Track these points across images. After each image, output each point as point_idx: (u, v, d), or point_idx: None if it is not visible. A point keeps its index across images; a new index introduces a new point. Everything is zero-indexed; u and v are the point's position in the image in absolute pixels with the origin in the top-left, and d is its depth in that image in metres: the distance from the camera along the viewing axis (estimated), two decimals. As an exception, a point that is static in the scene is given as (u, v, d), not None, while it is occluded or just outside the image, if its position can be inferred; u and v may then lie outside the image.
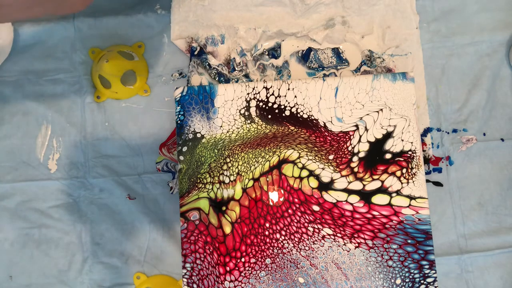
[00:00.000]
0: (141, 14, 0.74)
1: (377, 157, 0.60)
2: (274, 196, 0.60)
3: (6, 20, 0.53)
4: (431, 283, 0.58)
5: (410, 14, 0.72)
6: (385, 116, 0.61)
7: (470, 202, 0.70)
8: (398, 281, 0.58)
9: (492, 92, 0.71)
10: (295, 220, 0.60)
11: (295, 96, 0.62)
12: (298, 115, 0.62)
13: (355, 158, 0.60)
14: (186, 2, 0.74)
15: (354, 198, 0.59)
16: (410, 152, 0.60)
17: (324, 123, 0.61)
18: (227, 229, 0.60)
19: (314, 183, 0.60)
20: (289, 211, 0.60)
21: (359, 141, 0.60)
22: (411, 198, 0.59)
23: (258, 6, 0.73)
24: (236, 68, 0.72)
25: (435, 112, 0.71)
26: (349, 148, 0.60)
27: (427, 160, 0.70)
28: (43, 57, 0.74)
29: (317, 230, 0.59)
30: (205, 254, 0.60)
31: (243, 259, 0.60)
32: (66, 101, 0.73)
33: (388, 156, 0.60)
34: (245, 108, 0.62)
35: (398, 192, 0.59)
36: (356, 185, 0.60)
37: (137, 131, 0.72)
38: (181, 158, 0.62)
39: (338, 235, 0.59)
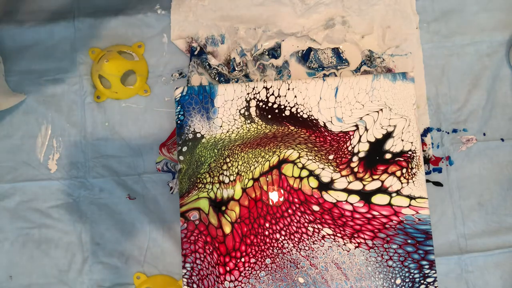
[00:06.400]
0: (141, 14, 0.74)
1: (377, 157, 0.60)
2: (274, 196, 0.60)
3: None
4: (431, 283, 0.58)
5: (410, 14, 0.72)
6: (385, 116, 0.61)
7: (470, 202, 0.70)
8: (398, 281, 0.58)
9: (492, 92, 0.71)
10: (295, 220, 0.60)
11: (295, 96, 0.62)
12: (298, 115, 0.62)
13: (355, 158, 0.60)
14: (186, 2, 0.74)
15: (354, 198, 0.59)
16: (410, 152, 0.60)
17: (324, 123, 0.61)
18: (227, 229, 0.60)
19: (314, 183, 0.60)
20: (289, 211, 0.60)
21: (359, 141, 0.60)
22: (411, 198, 0.59)
23: (258, 6, 0.73)
24: (236, 68, 0.72)
25: (435, 112, 0.71)
26: (349, 148, 0.60)
27: (427, 160, 0.70)
28: (43, 57, 0.74)
29: (317, 230, 0.59)
30: (205, 254, 0.60)
31: (243, 259, 0.60)
32: (66, 101, 0.73)
33: (388, 156, 0.60)
34: (245, 108, 0.62)
35: (398, 192, 0.59)
36: (356, 185, 0.60)
37: (137, 131, 0.72)
38: (181, 158, 0.62)
39: (338, 235, 0.59)
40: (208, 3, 0.73)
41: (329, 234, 0.59)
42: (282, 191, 0.60)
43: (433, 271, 0.58)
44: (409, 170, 0.59)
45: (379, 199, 0.59)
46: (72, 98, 0.73)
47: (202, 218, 0.60)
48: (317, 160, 0.60)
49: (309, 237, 0.59)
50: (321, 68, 0.72)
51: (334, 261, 0.59)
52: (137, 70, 0.72)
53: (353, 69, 0.72)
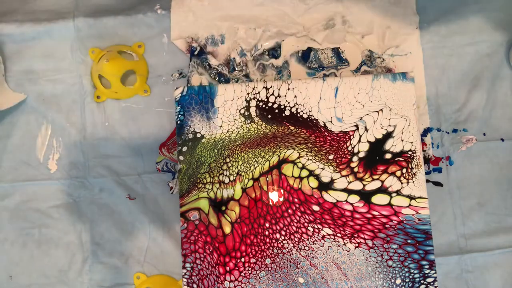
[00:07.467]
0: (141, 14, 0.74)
1: (377, 157, 0.60)
2: (274, 196, 0.60)
3: None
4: (431, 283, 0.58)
5: (410, 14, 0.72)
6: (385, 116, 0.61)
7: (470, 202, 0.70)
8: (398, 281, 0.58)
9: (492, 92, 0.71)
10: (295, 220, 0.60)
11: (295, 96, 0.62)
12: (298, 115, 0.62)
13: (355, 158, 0.60)
14: (186, 2, 0.74)
15: (354, 198, 0.59)
16: (410, 152, 0.60)
17: (324, 123, 0.61)
18: (227, 229, 0.60)
19: (314, 183, 0.60)
20: (289, 211, 0.60)
21: (359, 141, 0.60)
22: (411, 198, 0.59)
23: (258, 6, 0.73)
24: (236, 68, 0.72)
25: (435, 112, 0.71)
26: (349, 148, 0.60)
27: (427, 160, 0.70)
28: (43, 57, 0.74)
29: (317, 230, 0.59)
30: (205, 254, 0.60)
31: (243, 259, 0.60)
32: (66, 101, 0.73)
33: (388, 156, 0.60)
34: (245, 108, 0.62)
35: (398, 192, 0.59)
36: (356, 185, 0.60)
37: (137, 131, 0.72)
38: (181, 158, 0.62)
39: (338, 235, 0.59)
40: (208, 3, 0.73)
41: (329, 234, 0.59)
42: (282, 191, 0.60)
43: (433, 271, 0.58)
44: (409, 170, 0.59)
45: (379, 199, 0.59)
46: (72, 98, 0.73)
47: (202, 218, 0.60)
48: (317, 160, 0.60)
49: (309, 237, 0.59)
50: (321, 68, 0.72)
51: (334, 261, 0.59)
52: (137, 70, 0.72)
53: (353, 69, 0.72)
